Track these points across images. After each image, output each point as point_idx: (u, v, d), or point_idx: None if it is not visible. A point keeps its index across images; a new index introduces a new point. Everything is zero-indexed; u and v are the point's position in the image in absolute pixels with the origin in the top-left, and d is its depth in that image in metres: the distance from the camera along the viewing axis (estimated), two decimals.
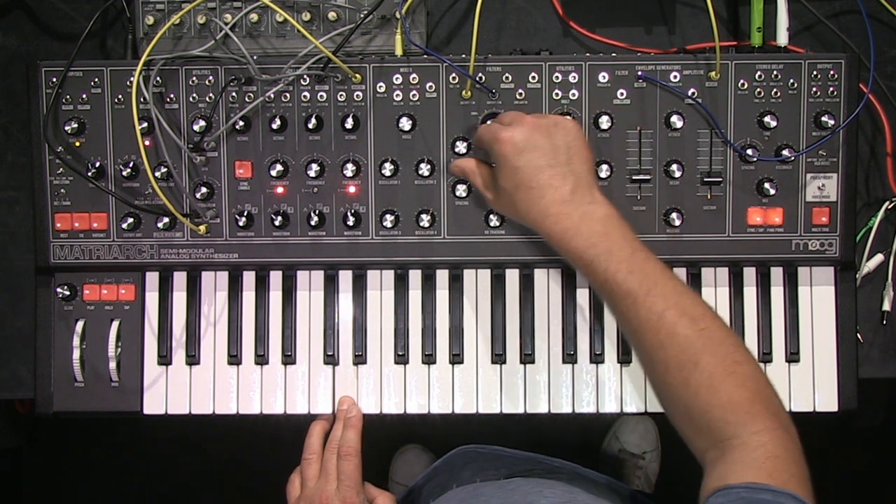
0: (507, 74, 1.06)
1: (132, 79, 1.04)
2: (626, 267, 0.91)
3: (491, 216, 1.07)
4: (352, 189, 1.07)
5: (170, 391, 1.10)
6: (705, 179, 1.06)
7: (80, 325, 1.09)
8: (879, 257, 1.12)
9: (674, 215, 1.06)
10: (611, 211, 0.95)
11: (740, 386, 0.86)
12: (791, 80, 1.06)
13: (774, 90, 1.06)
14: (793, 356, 1.09)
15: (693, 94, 1.05)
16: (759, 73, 1.06)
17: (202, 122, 1.06)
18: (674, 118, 1.05)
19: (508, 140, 0.96)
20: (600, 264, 0.91)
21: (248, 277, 1.11)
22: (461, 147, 1.06)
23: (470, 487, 1.14)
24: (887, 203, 1.11)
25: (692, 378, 0.86)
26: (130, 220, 1.07)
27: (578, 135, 0.97)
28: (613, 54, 1.07)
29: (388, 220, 1.06)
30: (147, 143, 1.06)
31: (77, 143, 1.07)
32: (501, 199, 1.00)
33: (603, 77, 1.06)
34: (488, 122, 1.02)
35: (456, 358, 1.10)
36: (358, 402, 1.10)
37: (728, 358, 0.87)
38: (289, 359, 1.10)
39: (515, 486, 1.08)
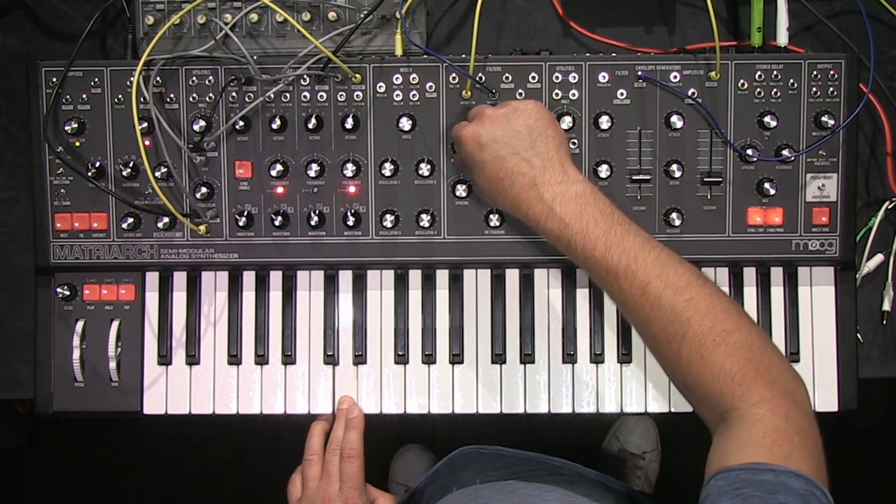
0: (507, 74, 1.06)
1: (132, 79, 1.04)
2: (602, 244, 0.89)
3: (491, 216, 1.07)
4: (352, 189, 1.07)
5: (170, 391, 1.10)
6: (705, 179, 1.06)
7: (80, 325, 1.09)
8: (879, 257, 1.12)
9: (674, 215, 1.06)
10: (584, 188, 0.93)
11: (731, 356, 0.83)
12: (791, 80, 1.06)
13: (774, 90, 1.06)
14: (793, 356, 1.09)
15: (693, 94, 1.05)
16: (759, 73, 1.06)
17: (202, 122, 1.06)
18: (674, 118, 1.05)
19: (469, 137, 0.97)
20: (577, 244, 0.91)
21: (248, 277, 1.11)
22: None
23: (470, 490, 1.14)
24: (887, 203, 1.11)
25: (682, 351, 0.84)
26: (130, 220, 1.07)
27: (540, 115, 0.96)
28: (613, 54, 1.07)
29: (388, 220, 1.06)
30: (147, 143, 1.06)
31: (77, 143, 1.07)
32: (483, 195, 1.02)
33: (603, 77, 1.06)
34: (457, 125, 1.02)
35: (456, 358, 1.10)
36: (358, 402, 1.10)
37: (717, 327, 0.84)
38: (289, 359, 1.10)
39: (515, 489, 1.08)
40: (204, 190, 1.06)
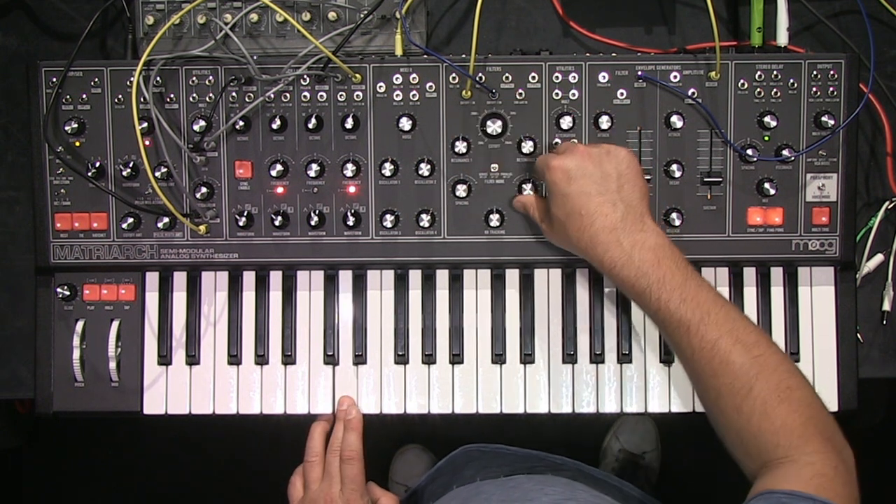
0: (507, 74, 1.06)
1: (132, 79, 1.04)
2: (678, 296, 0.90)
3: (491, 216, 1.07)
4: (352, 189, 1.07)
5: (170, 391, 1.10)
6: (705, 179, 1.06)
7: (80, 325, 1.09)
8: (879, 257, 1.12)
9: (674, 215, 1.06)
10: (663, 240, 0.94)
11: (794, 411, 0.86)
12: (791, 80, 1.06)
13: (774, 90, 1.06)
14: (793, 356, 1.09)
15: (693, 94, 1.05)
16: (759, 73, 1.05)
17: (202, 122, 1.05)
18: (674, 118, 1.05)
19: (559, 167, 0.96)
20: (652, 294, 0.91)
21: (248, 277, 1.11)
22: (461, 147, 1.06)
23: (471, 486, 1.14)
24: (887, 203, 1.11)
25: (745, 404, 0.86)
26: (130, 220, 1.07)
27: (631, 163, 0.97)
28: (613, 54, 1.07)
29: (388, 220, 1.06)
30: (147, 143, 1.06)
31: (77, 143, 1.07)
32: (555, 228, 1.00)
33: (603, 77, 1.06)
34: (541, 157, 1.03)
35: (456, 358, 1.09)
36: (358, 402, 1.10)
37: (782, 384, 0.87)
38: (289, 359, 1.10)
39: (516, 484, 1.08)
40: (204, 190, 1.06)
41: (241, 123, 1.06)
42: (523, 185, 1.06)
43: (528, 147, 1.06)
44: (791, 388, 0.87)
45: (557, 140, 1.06)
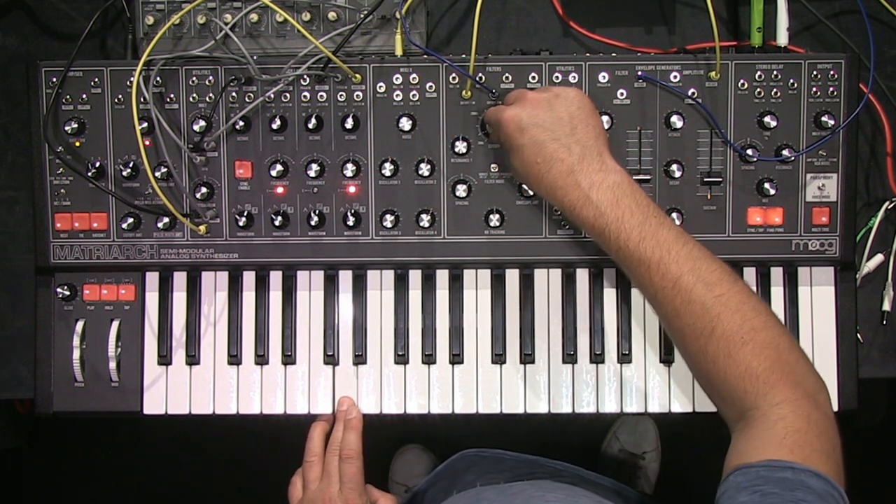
0: (507, 74, 1.06)
1: (132, 79, 1.04)
2: (636, 234, 0.89)
3: (491, 216, 1.07)
4: (352, 189, 1.07)
5: (170, 391, 1.10)
6: (705, 179, 1.06)
7: (80, 325, 1.09)
8: (879, 257, 1.12)
9: (674, 215, 1.06)
10: (621, 178, 0.93)
11: (758, 354, 0.83)
12: (791, 80, 1.06)
13: (774, 90, 1.06)
14: None
15: (693, 94, 1.05)
16: (759, 73, 1.06)
17: (202, 122, 1.06)
18: (674, 118, 1.05)
19: (511, 119, 0.95)
20: (611, 233, 0.90)
21: (248, 277, 1.11)
22: (461, 147, 1.06)
23: (472, 492, 1.14)
24: (887, 203, 1.11)
25: (709, 346, 0.84)
26: (130, 220, 1.07)
27: (582, 103, 0.96)
28: (613, 54, 1.07)
29: (388, 220, 1.06)
30: (147, 143, 1.06)
31: (77, 143, 1.07)
32: (516, 175, 1.01)
33: (603, 77, 1.06)
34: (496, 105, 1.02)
35: (456, 358, 1.10)
36: (358, 402, 1.10)
37: (745, 325, 0.84)
38: (289, 359, 1.10)
39: (518, 490, 1.08)
40: (204, 190, 1.06)
41: (241, 123, 1.06)
42: (523, 185, 1.06)
43: None
44: (755, 329, 0.84)
45: None
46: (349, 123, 1.05)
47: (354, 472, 1.05)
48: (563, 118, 0.94)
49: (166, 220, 1.07)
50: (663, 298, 0.88)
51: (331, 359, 1.10)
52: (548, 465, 1.20)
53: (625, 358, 1.09)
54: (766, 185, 1.06)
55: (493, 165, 1.07)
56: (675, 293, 0.87)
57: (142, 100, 1.04)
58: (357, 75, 1.06)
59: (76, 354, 1.08)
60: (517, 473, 1.19)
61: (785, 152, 1.05)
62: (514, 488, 1.11)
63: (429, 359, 1.09)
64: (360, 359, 1.10)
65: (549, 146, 0.94)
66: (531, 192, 1.06)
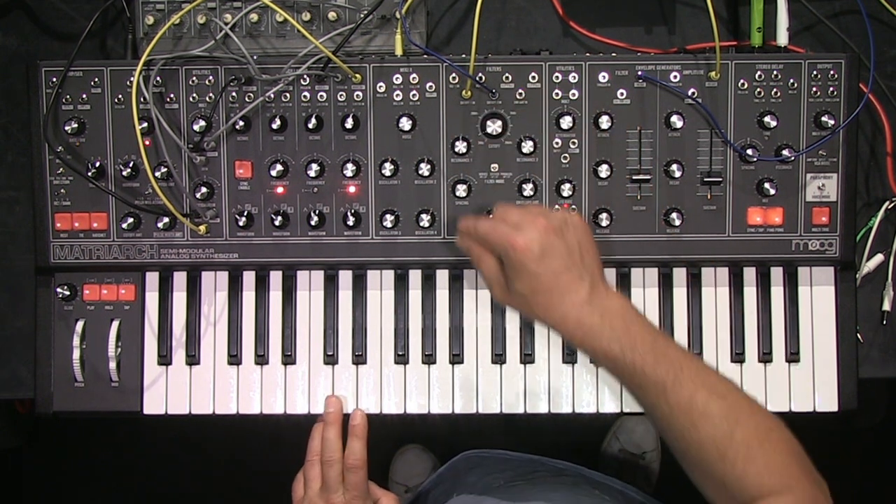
0: (507, 74, 1.06)
1: (132, 79, 1.04)
2: (651, 358, 0.90)
3: (491, 216, 1.07)
4: (352, 189, 1.07)
5: (170, 391, 1.10)
6: (705, 179, 1.06)
7: (80, 325, 1.09)
8: (879, 257, 1.12)
9: (674, 215, 1.06)
10: (624, 301, 0.94)
11: (776, 451, 0.87)
12: (791, 80, 1.06)
13: (774, 90, 1.06)
14: (793, 356, 1.09)
15: (693, 94, 1.05)
16: (759, 73, 1.05)
17: (202, 122, 1.06)
18: (674, 118, 1.05)
19: (526, 248, 0.92)
20: (626, 358, 0.90)
21: (248, 277, 1.11)
22: (461, 147, 1.06)
23: (474, 497, 1.14)
24: (887, 203, 1.11)
25: (729, 451, 0.87)
26: (130, 220, 1.07)
27: (586, 229, 0.96)
28: (613, 54, 1.07)
29: (388, 220, 1.06)
30: (147, 143, 1.06)
31: (77, 143, 1.07)
32: (514, 299, 0.96)
33: (603, 77, 1.06)
34: (490, 219, 0.97)
35: (456, 358, 1.10)
36: (358, 402, 1.10)
37: (761, 426, 0.88)
38: (289, 359, 1.10)
39: (519, 492, 1.08)
40: (204, 190, 1.06)
41: (241, 123, 1.06)
42: (523, 185, 1.06)
43: (528, 147, 1.06)
44: (770, 430, 0.88)
45: (558, 140, 1.06)
46: (349, 123, 1.05)
47: (359, 481, 1.05)
48: (573, 247, 0.94)
49: (166, 220, 1.07)
50: (679, 415, 0.89)
51: (331, 359, 1.10)
52: (550, 465, 1.20)
53: None
54: (766, 185, 1.06)
55: (493, 165, 1.07)
56: (690, 408, 0.88)
57: (142, 100, 1.04)
58: (357, 75, 1.06)
59: (76, 354, 1.08)
60: (519, 473, 1.19)
61: (785, 152, 1.05)
62: (515, 489, 1.11)
63: (429, 359, 1.09)
64: (360, 359, 1.10)
65: (563, 277, 0.92)
66: (531, 193, 1.06)
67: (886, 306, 1.12)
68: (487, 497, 1.10)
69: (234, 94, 1.06)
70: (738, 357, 1.09)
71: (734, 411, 0.88)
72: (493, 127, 1.05)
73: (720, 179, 1.06)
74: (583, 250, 0.94)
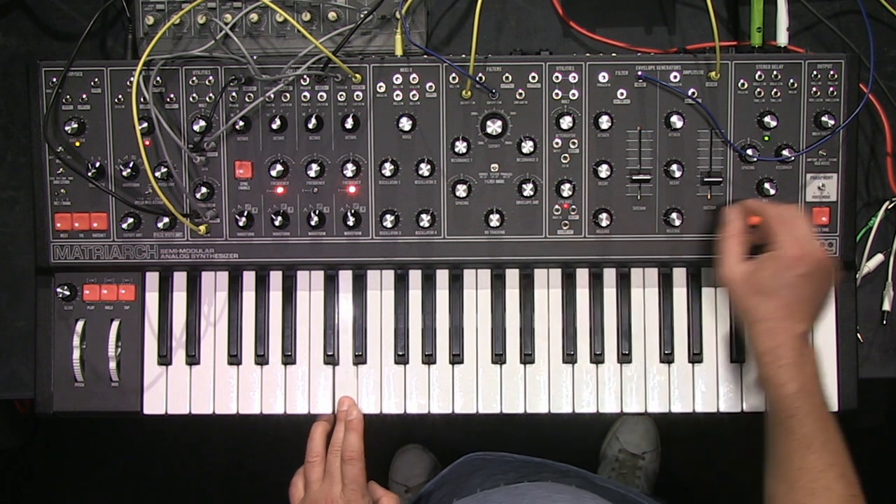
0: (507, 74, 1.06)
1: (132, 79, 1.04)
2: (815, 414, 0.93)
3: (491, 216, 1.07)
4: (352, 189, 1.07)
5: (170, 391, 1.10)
6: (705, 179, 1.06)
7: (80, 325, 1.09)
8: (879, 257, 1.12)
9: (674, 215, 1.06)
10: (818, 360, 0.98)
11: None
12: (791, 80, 1.06)
13: (774, 90, 1.06)
14: None
15: (693, 94, 1.05)
16: (759, 73, 1.06)
17: (202, 122, 1.06)
18: (674, 118, 1.05)
19: (804, 258, 0.96)
20: (797, 401, 0.94)
21: (248, 277, 1.11)
22: (461, 147, 1.06)
23: (480, 495, 1.14)
24: (887, 203, 1.11)
25: None
26: (130, 220, 1.07)
27: (831, 291, 1.03)
28: (613, 54, 1.07)
29: (388, 220, 1.06)
30: (147, 143, 1.06)
31: (77, 143, 1.07)
32: (741, 280, 0.99)
33: (603, 77, 1.06)
34: (774, 209, 1.01)
35: (456, 358, 1.10)
36: (358, 402, 1.10)
37: None
38: (289, 359, 1.10)
39: (524, 492, 1.09)
40: (204, 190, 1.06)
41: (241, 123, 1.06)
42: (523, 185, 1.06)
43: (528, 147, 1.06)
44: None
45: (558, 140, 1.06)
46: (349, 123, 1.05)
47: (356, 474, 1.05)
48: (823, 293, 1.00)
49: (166, 220, 1.07)
50: (805, 476, 0.92)
51: (331, 359, 1.10)
52: (554, 467, 1.20)
53: (625, 358, 1.09)
54: (766, 185, 1.06)
55: (493, 165, 1.07)
56: (819, 476, 0.91)
57: (142, 100, 1.04)
58: (357, 75, 1.06)
59: (76, 354, 1.08)
60: (523, 474, 1.20)
61: (785, 152, 1.05)
62: (519, 489, 1.11)
63: (429, 359, 1.09)
64: (360, 359, 1.10)
65: (800, 305, 0.97)
66: (531, 193, 1.06)
67: (886, 306, 1.12)
68: (493, 497, 1.10)
69: (234, 94, 1.06)
70: (737, 357, 1.09)
71: (852, 502, 0.91)
72: (493, 127, 1.05)
73: (720, 179, 1.06)
74: (825, 301, 1.01)
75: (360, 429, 1.08)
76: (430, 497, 1.23)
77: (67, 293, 1.09)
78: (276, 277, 1.11)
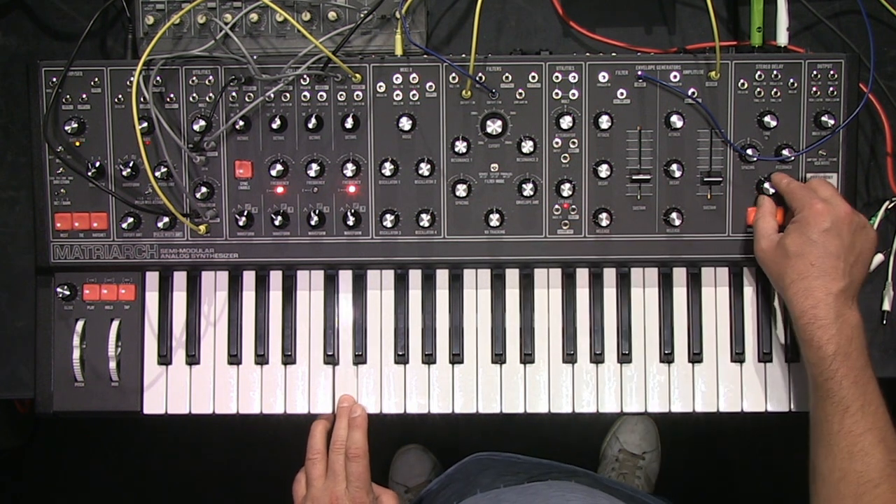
0: (507, 74, 1.06)
1: (132, 79, 1.04)
2: (854, 376, 0.93)
3: (491, 216, 1.07)
4: (352, 189, 1.07)
5: (170, 391, 1.10)
6: (705, 179, 1.06)
7: (80, 325, 1.09)
8: (879, 257, 1.12)
9: (674, 215, 1.06)
10: (861, 322, 0.97)
11: None
12: (791, 80, 1.06)
13: (774, 90, 1.06)
14: (792, 356, 1.09)
15: (693, 93, 1.05)
16: (759, 73, 1.06)
17: (202, 122, 1.06)
18: (674, 118, 1.05)
19: (821, 214, 0.98)
20: (834, 363, 0.94)
21: (248, 277, 1.11)
22: (461, 146, 1.06)
23: (492, 494, 1.14)
24: (887, 203, 1.11)
25: (866, 497, 0.89)
26: (130, 219, 1.07)
27: (873, 247, 1.02)
28: (613, 54, 1.07)
29: (388, 220, 1.06)
30: (147, 142, 1.06)
31: (77, 143, 1.07)
32: (775, 255, 1.01)
33: (603, 77, 1.06)
34: (799, 183, 1.04)
35: (456, 358, 1.10)
36: (358, 402, 1.10)
37: None
38: (289, 359, 1.10)
39: (537, 491, 1.09)
40: (204, 190, 1.06)
41: (241, 123, 1.06)
42: (523, 185, 1.06)
43: (528, 147, 1.06)
44: None
45: (558, 140, 1.06)
46: (349, 123, 1.05)
47: (361, 471, 1.05)
48: (856, 247, 0.99)
49: (166, 219, 1.07)
50: (842, 440, 0.92)
51: (331, 359, 1.10)
52: (562, 468, 1.21)
53: (625, 358, 1.09)
54: (766, 185, 1.06)
55: (493, 165, 1.07)
56: (856, 440, 0.91)
57: (142, 100, 1.04)
58: (357, 75, 1.06)
59: (76, 354, 1.08)
60: (533, 474, 1.20)
61: (785, 152, 1.05)
62: (533, 488, 1.11)
63: (429, 359, 1.10)
64: (360, 359, 1.10)
65: (830, 261, 0.97)
66: (531, 193, 1.06)
67: (886, 306, 1.12)
68: (505, 496, 1.10)
69: (234, 94, 1.06)
70: (738, 357, 1.09)
71: (891, 467, 0.90)
72: (493, 127, 1.05)
73: (720, 179, 1.06)
74: (858, 258, 0.99)
75: (364, 426, 1.07)
76: (437, 496, 1.23)
77: (67, 293, 1.09)
78: (276, 277, 1.11)
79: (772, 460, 2.11)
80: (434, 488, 1.24)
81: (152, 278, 1.11)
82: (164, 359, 1.10)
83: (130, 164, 1.06)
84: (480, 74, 1.06)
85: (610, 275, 1.10)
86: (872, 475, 0.89)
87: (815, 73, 1.05)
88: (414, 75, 1.06)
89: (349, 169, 1.06)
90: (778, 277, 1.01)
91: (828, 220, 0.98)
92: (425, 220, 1.07)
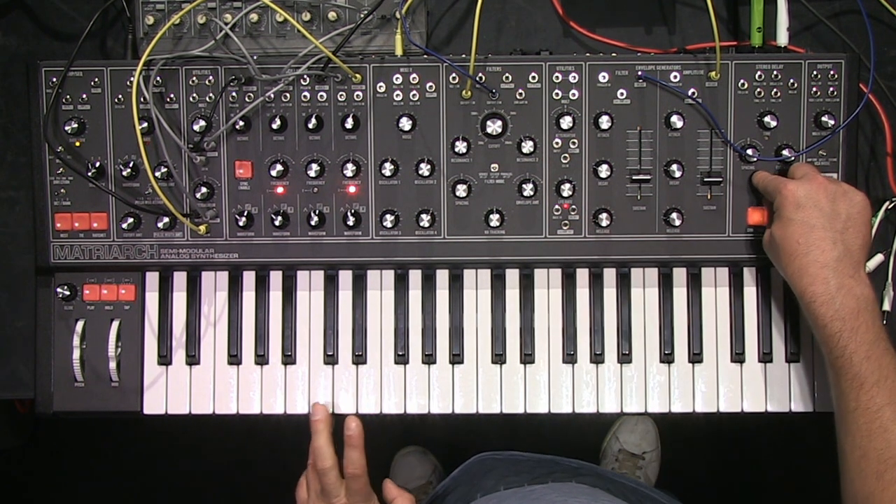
0: (507, 74, 1.06)
1: (132, 79, 1.04)
2: (864, 350, 0.91)
3: (491, 216, 1.07)
4: (352, 189, 1.07)
5: (170, 391, 1.10)
6: (705, 179, 1.06)
7: (80, 325, 1.09)
8: (879, 257, 1.12)
9: (674, 215, 1.06)
10: (869, 292, 0.95)
11: None
12: (791, 80, 1.06)
13: (774, 90, 1.06)
14: (793, 356, 1.09)
15: (693, 94, 1.05)
16: (759, 73, 1.06)
17: (202, 122, 1.06)
18: (674, 118, 1.05)
19: (791, 193, 0.98)
20: (842, 339, 0.92)
21: (248, 277, 1.11)
22: (461, 147, 1.06)
23: (494, 497, 1.14)
24: (887, 203, 1.11)
25: (888, 473, 0.87)
26: (130, 220, 1.07)
27: (864, 209, 0.98)
28: (613, 54, 1.07)
29: (388, 220, 1.06)
30: (147, 142, 1.06)
31: (77, 143, 1.07)
32: (771, 245, 1.01)
33: (603, 77, 1.06)
34: (770, 174, 1.04)
35: (456, 358, 1.10)
36: (358, 402, 1.09)
37: None
38: (289, 359, 1.10)
39: (539, 495, 1.08)
40: (204, 190, 1.06)
41: (241, 123, 1.06)
42: (523, 185, 1.06)
43: (528, 147, 1.06)
44: None
45: (558, 140, 1.06)
46: (349, 123, 1.05)
47: (361, 487, 1.04)
48: (840, 214, 0.97)
49: (166, 220, 1.07)
50: (860, 417, 0.90)
51: (331, 359, 1.10)
52: (565, 464, 1.20)
53: (625, 358, 1.09)
54: None
55: (493, 165, 1.07)
56: (874, 417, 0.89)
57: (142, 100, 1.04)
58: (357, 75, 1.06)
59: (76, 354, 1.08)
60: (536, 475, 1.19)
61: (785, 152, 1.05)
62: (535, 492, 1.11)
63: (429, 359, 1.10)
64: (360, 359, 1.10)
65: (816, 232, 0.96)
66: (531, 193, 1.06)
67: (886, 306, 1.12)
68: (507, 499, 1.10)
69: (234, 94, 1.06)
70: (738, 357, 1.09)
71: None
72: (493, 127, 1.05)
73: (720, 179, 1.06)
74: (849, 223, 0.97)
75: (361, 444, 1.05)
76: (444, 499, 1.23)
77: (67, 293, 1.09)
78: (276, 277, 1.11)
79: (772, 460, 2.11)
80: (440, 492, 1.24)
81: (152, 278, 1.11)
82: (164, 359, 1.10)
83: (130, 165, 1.06)
84: (480, 74, 1.06)
85: (610, 275, 1.10)
86: (893, 451, 0.87)
87: (815, 73, 1.06)
88: (414, 75, 1.06)
89: (349, 169, 1.06)
90: (780, 268, 1.01)
91: (800, 194, 0.97)
92: (425, 220, 1.07)
